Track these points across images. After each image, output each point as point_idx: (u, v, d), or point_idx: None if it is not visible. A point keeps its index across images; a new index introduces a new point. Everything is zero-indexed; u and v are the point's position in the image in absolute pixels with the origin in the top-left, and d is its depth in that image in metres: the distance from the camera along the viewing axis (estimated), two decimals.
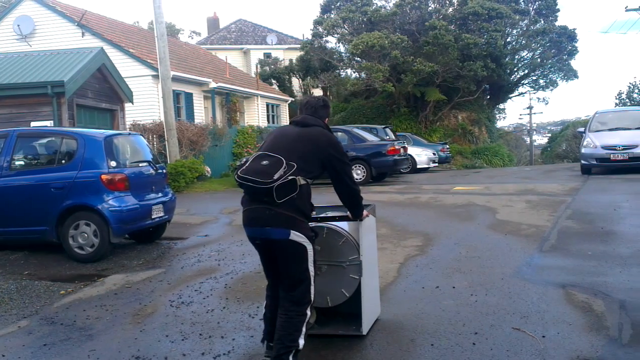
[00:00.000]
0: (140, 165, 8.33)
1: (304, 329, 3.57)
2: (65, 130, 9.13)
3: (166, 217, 8.49)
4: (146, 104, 19.75)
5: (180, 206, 10.79)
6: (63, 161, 7.83)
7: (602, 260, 6.11)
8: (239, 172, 3.51)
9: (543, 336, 4.09)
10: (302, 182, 3.53)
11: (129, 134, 9.37)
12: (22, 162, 8.08)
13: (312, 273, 3.61)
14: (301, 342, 3.54)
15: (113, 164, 7.66)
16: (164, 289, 5.97)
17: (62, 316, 5.24)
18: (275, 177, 3.40)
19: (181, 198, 12.69)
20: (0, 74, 14.04)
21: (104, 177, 7.46)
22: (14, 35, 21.01)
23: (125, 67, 19.12)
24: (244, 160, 3.68)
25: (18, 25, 20.93)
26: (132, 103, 17.24)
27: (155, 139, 17.71)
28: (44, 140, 8.39)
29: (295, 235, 3.51)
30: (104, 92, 15.79)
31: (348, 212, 4.09)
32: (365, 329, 4.28)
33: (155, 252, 7.95)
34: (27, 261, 7.53)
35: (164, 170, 9.00)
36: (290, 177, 3.44)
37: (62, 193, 7.50)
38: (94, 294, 5.96)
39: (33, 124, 12.95)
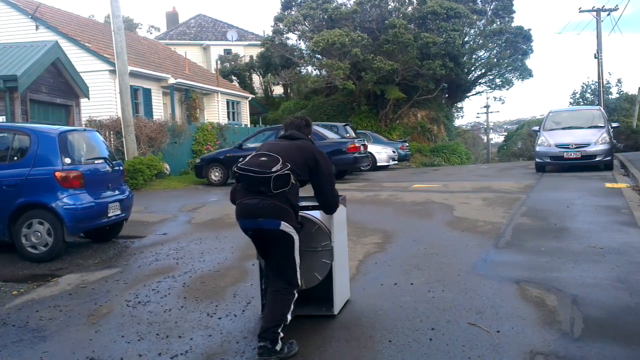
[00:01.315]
0: (96, 162, 8.16)
1: (292, 306, 3.98)
2: (17, 125, 8.86)
3: (123, 215, 8.34)
4: (103, 99, 19.35)
5: (138, 204, 10.62)
6: (15, 158, 7.61)
7: (555, 256, 6.27)
8: (238, 165, 3.98)
9: (498, 331, 4.17)
10: (294, 181, 4.02)
11: (85, 130, 9.17)
12: None
13: (297, 260, 4.06)
14: (289, 317, 3.94)
15: (67, 160, 7.49)
16: (121, 289, 5.87)
17: (14, 317, 5.10)
18: (274, 169, 3.88)
19: (139, 196, 12.49)
20: None
21: (57, 174, 7.28)
22: None
23: (81, 61, 18.70)
24: (241, 159, 4.15)
25: None
26: (88, 98, 16.89)
27: (112, 136, 17.37)
28: None
29: (285, 226, 3.94)
30: (59, 87, 15.42)
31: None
32: (336, 310, 4.66)
33: (111, 251, 7.81)
34: None
35: (121, 168, 8.83)
36: (286, 171, 3.91)
37: (15, 191, 7.29)
38: (48, 294, 5.82)
39: None
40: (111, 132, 17.36)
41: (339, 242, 4.70)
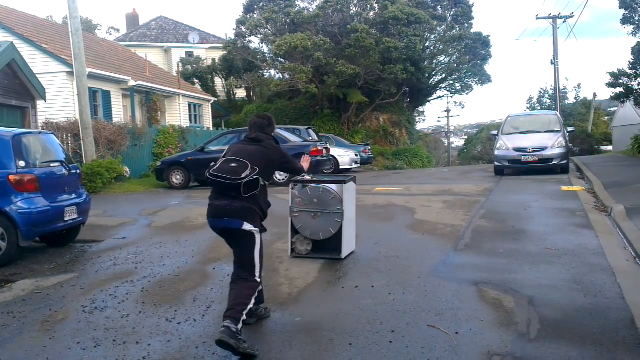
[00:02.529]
0: (52, 165, 7.98)
1: (256, 293, 4.29)
2: None
3: (80, 219, 8.17)
4: (60, 101, 18.94)
5: (97, 207, 10.42)
6: None
7: (512, 258, 6.39)
8: (210, 171, 4.29)
9: (456, 333, 4.22)
10: (262, 183, 4.39)
11: (40, 132, 8.94)
12: None
13: (257, 257, 4.36)
14: (252, 301, 4.21)
15: (22, 164, 7.30)
16: (77, 294, 5.74)
17: None
18: (243, 175, 4.21)
19: (98, 199, 12.26)
20: None
21: (11, 177, 7.09)
22: None
23: (38, 63, 18.29)
24: (212, 164, 4.41)
25: None
26: (45, 100, 16.51)
27: (70, 138, 16.99)
28: None
29: (247, 226, 4.29)
30: (14, 88, 15.02)
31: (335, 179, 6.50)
32: (343, 255, 6.50)
33: (68, 256, 7.63)
34: None
35: (78, 171, 8.65)
36: (255, 177, 4.26)
37: None
38: (1, 300, 5.64)
39: None
40: (69, 135, 16.99)
41: (348, 207, 6.53)
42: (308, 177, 6.75)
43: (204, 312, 4.96)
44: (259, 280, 4.38)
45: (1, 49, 14.21)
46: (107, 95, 21.87)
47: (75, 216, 7.97)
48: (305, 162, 5.23)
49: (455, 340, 4.08)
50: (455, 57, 31.18)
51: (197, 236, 8.34)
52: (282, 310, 4.94)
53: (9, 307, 5.38)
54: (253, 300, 4.22)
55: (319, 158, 16.01)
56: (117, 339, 4.39)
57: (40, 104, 16.50)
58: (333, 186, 6.50)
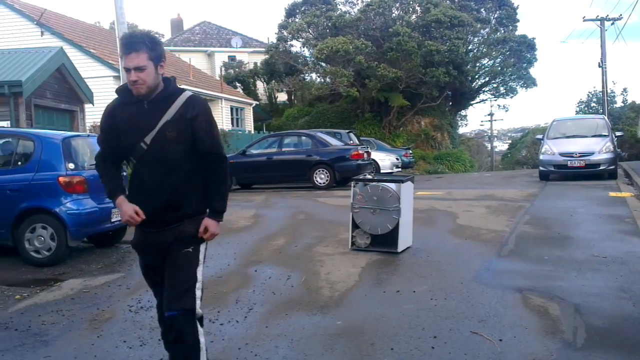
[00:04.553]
0: None
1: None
2: (22, 131, 8.91)
3: None
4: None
5: None
6: (19, 163, 7.64)
7: (558, 265, 6.26)
8: None
9: (500, 340, 4.16)
10: None
11: (88, 135, 9.19)
12: None
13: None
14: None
15: (71, 166, 7.51)
16: (123, 294, 5.87)
17: (17, 321, 5.10)
18: None
19: None
20: None
21: (61, 179, 7.30)
22: None
23: (86, 67, 18.78)
24: None
25: None
26: (93, 104, 16.92)
27: None
28: (0, 141, 8.17)
29: None
30: (64, 92, 15.47)
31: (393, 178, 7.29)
32: (399, 249, 6.96)
33: (114, 256, 7.82)
34: None
35: (124, 173, 8.83)
36: None
37: (18, 195, 7.31)
38: (50, 298, 5.82)
39: None
40: None
41: (405, 205, 6.98)
42: (369, 176, 7.62)
43: (245, 314, 5.02)
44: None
45: (51, 54, 14.65)
46: None
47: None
48: None
49: (499, 348, 4.02)
50: (499, 60, 30.79)
51: (239, 238, 8.42)
52: (323, 314, 4.95)
53: (58, 306, 5.54)
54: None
55: (359, 162, 15.99)
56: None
57: (87, 107, 16.94)
58: (392, 185, 6.98)
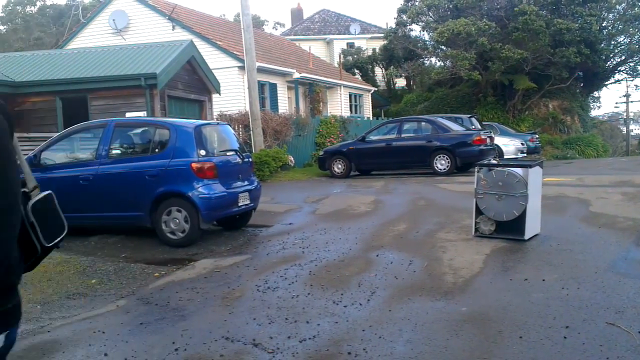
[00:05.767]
0: (228, 154, 8.57)
1: None
2: (158, 120, 9.53)
3: (252, 205, 8.69)
4: (232, 94, 20.24)
5: (265, 194, 11.01)
6: (156, 150, 8.16)
7: None
8: None
9: (639, 332, 3.90)
10: None
11: (218, 123, 9.64)
12: (118, 151, 8.48)
13: None
14: None
15: (202, 152, 7.91)
16: (251, 274, 6.13)
17: (157, 297, 5.50)
18: None
19: (265, 187, 12.95)
20: (97, 66, 14.80)
21: (194, 165, 7.72)
22: (110, 29, 22.11)
23: (213, 59, 19.65)
24: None
25: (113, 20, 22.01)
26: (219, 94, 17.72)
27: (240, 129, 18.12)
28: (139, 130, 8.76)
29: None
30: (193, 83, 16.31)
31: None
32: (526, 237, 6.70)
33: (241, 239, 8.17)
34: (124, 245, 7.92)
35: (250, 159, 9.20)
36: None
37: (156, 180, 7.82)
38: (186, 277, 6.21)
39: (128, 114, 13.52)
40: (240, 126, 18.12)
41: (532, 190, 6.71)
42: (494, 161, 7.40)
43: (369, 297, 5.06)
44: None
45: (182, 47, 15.48)
46: (273, 87, 22.99)
47: (248, 202, 8.49)
48: None
49: (638, 340, 3.77)
50: (637, 37, 28.45)
51: (360, 224, 8.50)
52: (446, 300, 4.89)
53: (193, 284, 5.90)
54: None
55: (482, 147, 15.53)
56: (289, 318, 4.63)
57: (214, 97, 17.74)
58: (518, 170, 6.75)
